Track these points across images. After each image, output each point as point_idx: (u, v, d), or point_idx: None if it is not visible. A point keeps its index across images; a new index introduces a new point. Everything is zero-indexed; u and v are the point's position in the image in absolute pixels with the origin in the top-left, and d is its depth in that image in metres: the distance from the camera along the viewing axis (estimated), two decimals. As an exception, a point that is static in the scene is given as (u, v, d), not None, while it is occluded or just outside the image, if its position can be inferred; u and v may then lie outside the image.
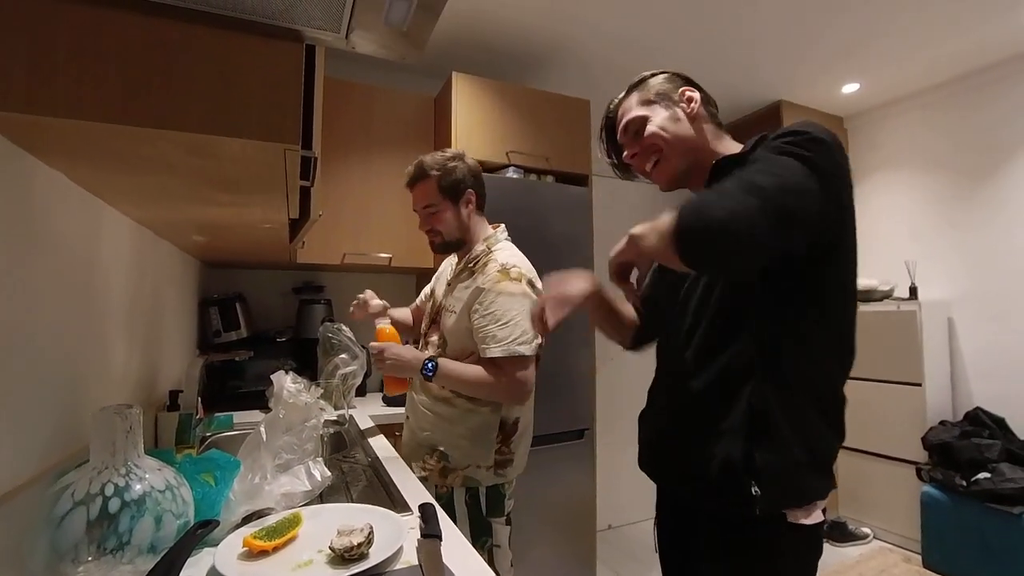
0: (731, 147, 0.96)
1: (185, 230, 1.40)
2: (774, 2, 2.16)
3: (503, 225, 1.49)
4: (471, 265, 1.40)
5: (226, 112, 0.64)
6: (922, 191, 3.01)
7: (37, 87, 0.56)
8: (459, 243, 1.44)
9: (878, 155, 3.23)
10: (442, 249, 1.46)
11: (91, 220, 0.96)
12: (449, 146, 2.23)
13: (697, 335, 0.90)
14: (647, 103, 0.96)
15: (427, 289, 1.64)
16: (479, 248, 1.41)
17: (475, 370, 1.30)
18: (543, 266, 2.33)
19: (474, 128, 2.27)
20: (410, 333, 1.70)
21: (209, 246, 1.73)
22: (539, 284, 1.36)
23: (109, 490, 0.67)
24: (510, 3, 2.16)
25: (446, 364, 1.30)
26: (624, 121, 0.98)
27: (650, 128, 0.93)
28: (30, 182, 0.73)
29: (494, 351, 1.26)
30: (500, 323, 1.27)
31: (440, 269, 1.61)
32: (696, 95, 0.95)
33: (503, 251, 1.39)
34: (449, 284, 1.46)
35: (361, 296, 1.63)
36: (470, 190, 1.42)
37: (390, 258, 2.29)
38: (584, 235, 2.34)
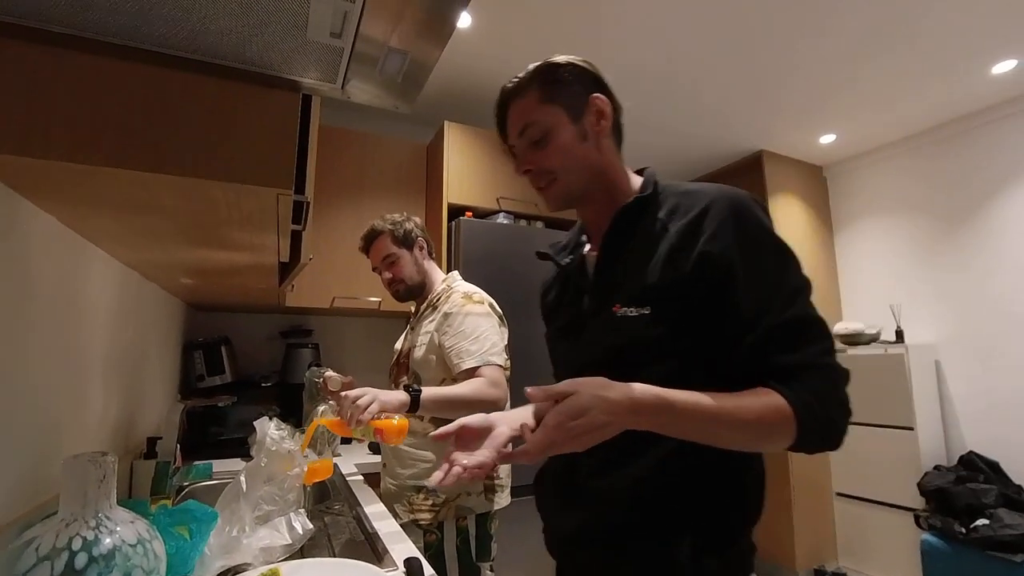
0: (627, 173, 0.84)
1: (173, 272, 1.39)
2: (736, 57, 2.28)
3: (456, 271, 1.60)
4: (434, 302, 1.47)
5: (222, 157, 0.65)
6: (903, 235, 3.10)
7: (34, 131, 0.57)
8: (420, 287, 1.52)
9: (858, 202, 3.34)
10: (406, 295, 1.53)
11: (78, 262, 0.95)
12: (440, 192, 2.29)
13: None
14: (551, 102, 0.78)
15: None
16: (440, 288, 1.50)
17: (456, 385, 1.30)
18: (533, 309, 2.34)
19: (465, 175, 2.32)
20: None
21: (197, 289, 1.72)
22: (499, 310, 1.46)
23: (76, 544, 0.63)
24: (499, 58, 2.25)
25: (428, 388, 1.28)
26: (519, 124, 0.81)
27: (549, 150, 0.79)
28: (18, 224, 0.73)
29: (469, 362, 1.30)
30: (471, 338, 1.33)
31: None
32: (607, 108, 0.79)
33: (463, 284, 1.50)
34: (412, 328, 1.53)
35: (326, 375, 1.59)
36: (420, 238, 1.54)
37: (379, 302, 2.28)
38: (574, 279, 2.36)
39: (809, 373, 0.65)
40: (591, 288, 0.82)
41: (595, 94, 0.79)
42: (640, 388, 0.62)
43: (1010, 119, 2.67)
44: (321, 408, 1.33)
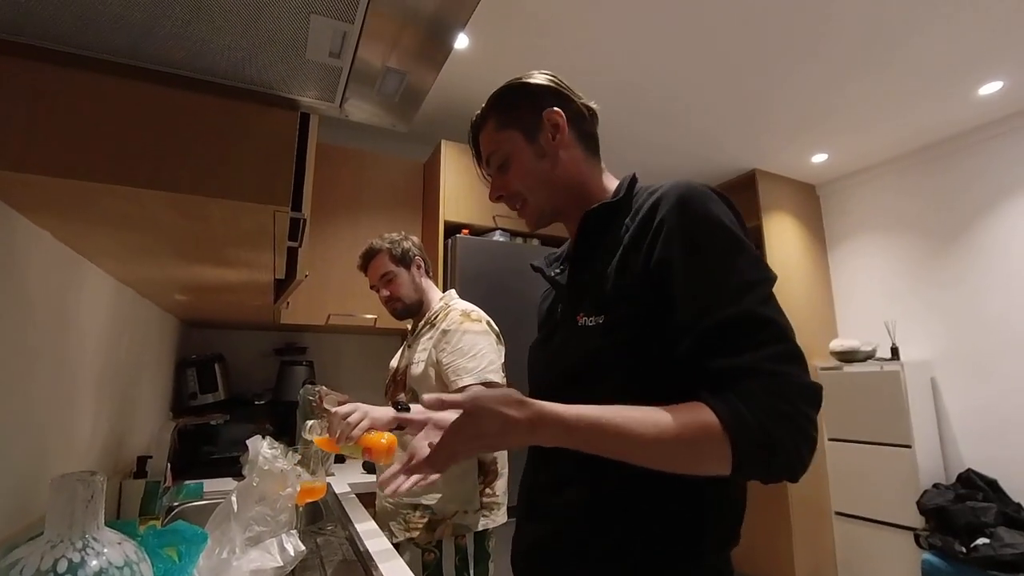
0: (604, 179, 0.83)
1: (168, 289, 1.38)
2: (729, 77, 2.32)
3: (453, 290, 1.61)
4: (432, 320, 1.48)
5: (219, 175, 0.66)
6: (896, 253, 3.13)
7: (32, 147, 0.57)
8: (417, 305, 1.53)
9: (851, 220, 3.37)
10: (403, 313, 1.54)
11: (72, 279, 0.95)
12: (437, 210, 2.30)
13: None
14: (505, 128, 0.81)
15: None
16: (437, 306, 1.51)
17: None
18: (528, 326, 2.35)
19: (461, 193, 2.34)
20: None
21: (191, 305, 1.71)
22: (496, 328, 1.46)
23: (62, 566, 0.62)
24: (496, 78, 2.28)
25: (416, 406, 1.26)
26: (485, 153, 0.85)
27: (511, 174, 0.81)
28: (12, 239, 0.72)
29: (466, 380, 1.30)
30: (468, 356, 1.33)
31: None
32: (561, 120, 0.78)
33: (461, 303, 1.51)
34: (409, 345, 1.53)
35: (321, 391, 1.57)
36: (418, 257, 1.55)
37: (375, 319, 2.28)
38: (570, 296, 2.36)
39: (750, 380, 0.55)
40: (565, 298, 0.82)
41: (548, 109, 0.78)
42: (540, 405, 0.58)
43: (998, 139, 2.72)
44: (310, 423, 1.31)
